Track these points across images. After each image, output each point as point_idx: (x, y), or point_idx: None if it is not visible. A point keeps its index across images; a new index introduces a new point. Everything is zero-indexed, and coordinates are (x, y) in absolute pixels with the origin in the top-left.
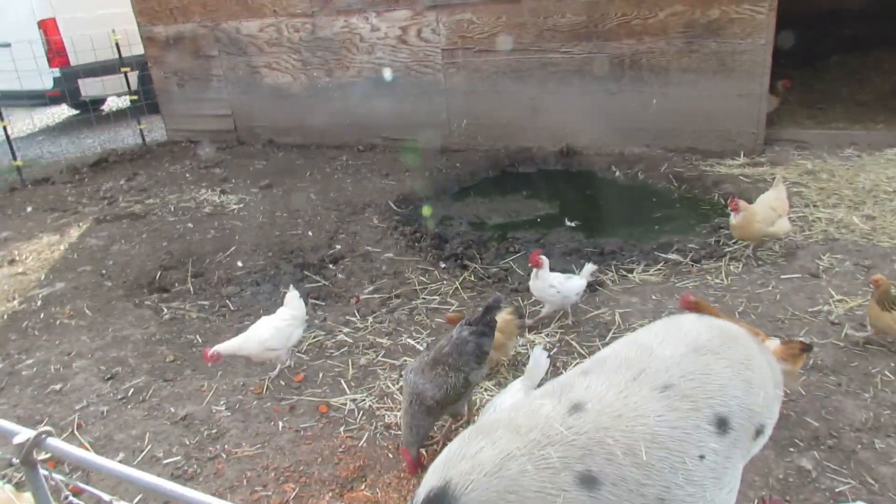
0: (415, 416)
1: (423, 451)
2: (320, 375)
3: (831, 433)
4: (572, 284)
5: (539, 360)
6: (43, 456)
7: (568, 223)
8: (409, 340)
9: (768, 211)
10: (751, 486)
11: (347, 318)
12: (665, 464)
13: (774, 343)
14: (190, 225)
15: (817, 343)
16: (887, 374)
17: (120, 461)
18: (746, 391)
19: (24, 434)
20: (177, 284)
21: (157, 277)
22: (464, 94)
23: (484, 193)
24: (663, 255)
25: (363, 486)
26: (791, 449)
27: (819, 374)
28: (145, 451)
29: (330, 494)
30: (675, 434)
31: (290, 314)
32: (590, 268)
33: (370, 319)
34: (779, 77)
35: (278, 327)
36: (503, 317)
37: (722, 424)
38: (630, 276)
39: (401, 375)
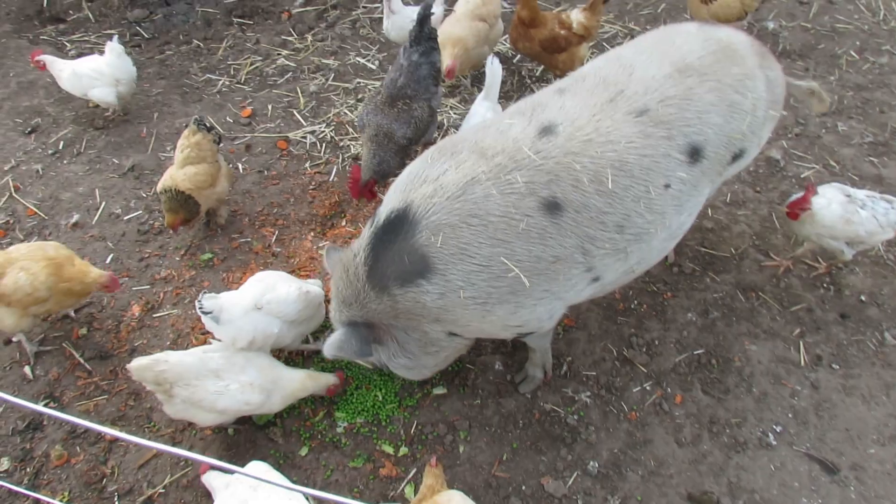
0: (384, 157)
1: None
2: (269, 108)
3: (798, 121)
4: (433, 18)
5: (493, 69)
6: None
7: None
8: (358, 59)
9: (477, 25)
10: (724, 182)
11: (283, 38)
12: (629, 192)
13: (577, 15)
14: None
15: (786, 26)
16: (852, 53)
17: (76, 223)
18: (729, 117)
19: None
20: (71, 12)
21: (45, 5)
22: None
23: None
24: None
25: (343, 223)
26: None
27: (788, 60)
28: (101, 209)
29: (312, 234)
30: (644, 162)
31: (90, 67)
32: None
33: (309, 38)
34: None
35: (77, 72)
36: (191, 140)
37: (694, 154)
38: None
39: (358, 100)
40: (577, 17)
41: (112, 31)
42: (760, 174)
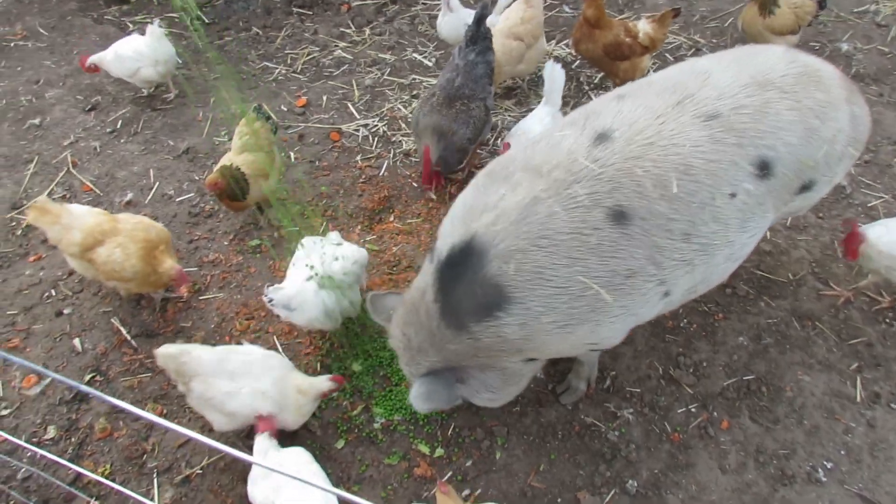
0: (445, 155)
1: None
2: (324, 99)
3: (869, 148)
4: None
5: (553, 74)
6: None
7: None
8: (415, 55)
9: (509, 44)
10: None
11: (341, 30)
12: (694, 198)
13: (644, 25)
14: None
15: (861, 49)
16: None
17: (129, 202)
18: (805, 141)
19: None
20: None
21: None
22: None
23: None
24: None
25: (391, 218)
26: None
27: (861, 84)
28: (154, 189)
29: (359, 227)
30: (710, 167)
31: (132, 48)
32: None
33: (367, 31)
34: None
35: (120, 54)
36: (251, 127)
37: (764, 167)
38: None
39: (413, 96)
40: (644, 27)
41: (173, 15)
42: (825, 200)
